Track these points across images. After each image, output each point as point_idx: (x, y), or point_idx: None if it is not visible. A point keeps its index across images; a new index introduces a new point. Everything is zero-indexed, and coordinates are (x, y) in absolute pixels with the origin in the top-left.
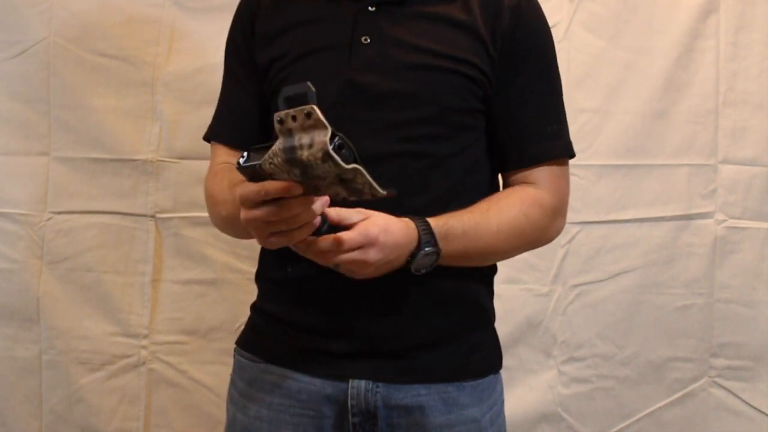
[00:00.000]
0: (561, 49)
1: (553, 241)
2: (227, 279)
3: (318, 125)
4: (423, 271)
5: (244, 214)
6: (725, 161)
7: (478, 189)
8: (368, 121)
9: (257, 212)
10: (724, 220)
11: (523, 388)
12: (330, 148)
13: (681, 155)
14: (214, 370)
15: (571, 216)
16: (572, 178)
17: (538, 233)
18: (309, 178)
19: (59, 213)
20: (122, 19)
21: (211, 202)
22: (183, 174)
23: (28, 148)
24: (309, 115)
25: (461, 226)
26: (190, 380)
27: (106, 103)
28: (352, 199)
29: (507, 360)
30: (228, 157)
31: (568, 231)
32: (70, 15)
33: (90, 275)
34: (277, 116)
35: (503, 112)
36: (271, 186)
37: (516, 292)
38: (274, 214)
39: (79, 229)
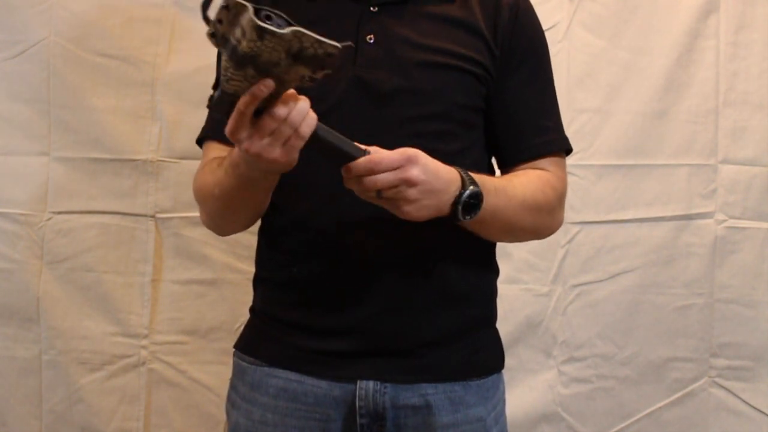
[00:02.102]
0: (561, 49)
1: (554, 241)
2: (227, 279)
3: (239, 10)
4: (468, 218)
5: (246, 145)
6: (725, 161)
7: None
8: (375, 117)
9: (255, 136)
10: (724, 220)
11: (523, 388)
12: (257, 20)
13: (681, 155)
14: (214, 370)
15: (571, 216)
16: (572, 178)
17: (549, 216)
18: (266, 73)
19: (59, 213)
20: (122, 19)
21: (205, 190)
22: (183, 174)
23: (28, 148)
24: (227, 6)
25: (493, 184)
26: (190, 380)
27: (106, 103)
28: (318, 76)
29: (507, 360)
30: (220, 153)
31: (568, 231)
32: (70, 15)
33: (90, 275)
34: (208, 32)
35: (501, 108)
36: (242, 101)
37: (516, 292)
38: (268, 124)
39: (79, 229)
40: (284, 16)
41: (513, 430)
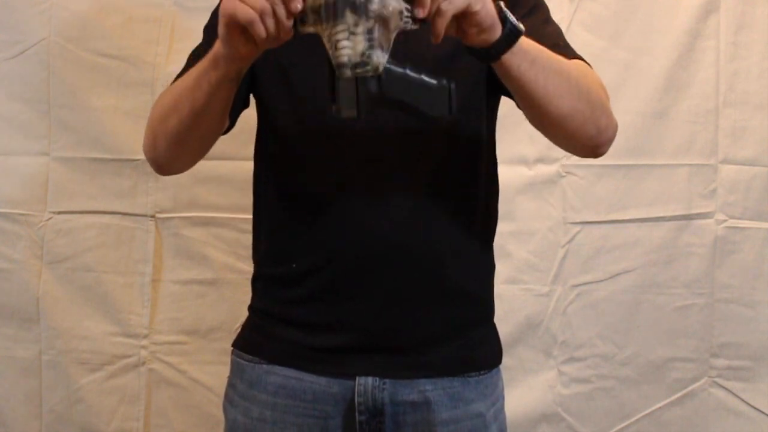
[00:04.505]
0: None
1: (554, 241)
2: (227, 279)
3: None
4: (504, 46)
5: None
6: (725, 161)
7: (481, 192)
8: (370, 120)
9: None
10: (724, 220)
11: (523, 388)
12: None
13: (681, 155)
14: (214, 370)
15: (571, 216)
16: (572, 178)
17: (598, 106)
18: None
19: (59, 213)
20: (122, 19)
21: (162, 99)
22: (183, 174)
23: (28, 148)
24: None
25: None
26: (190, 380)
27: (106, 103)
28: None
29: (507, 360)
30: None
31: (568, 231)
32: (70, 15)
33: (90, 275)
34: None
35: None
36: None
37: (516, 292)
38: None
39: (79, 229)
40: None
41: (513, 430)
